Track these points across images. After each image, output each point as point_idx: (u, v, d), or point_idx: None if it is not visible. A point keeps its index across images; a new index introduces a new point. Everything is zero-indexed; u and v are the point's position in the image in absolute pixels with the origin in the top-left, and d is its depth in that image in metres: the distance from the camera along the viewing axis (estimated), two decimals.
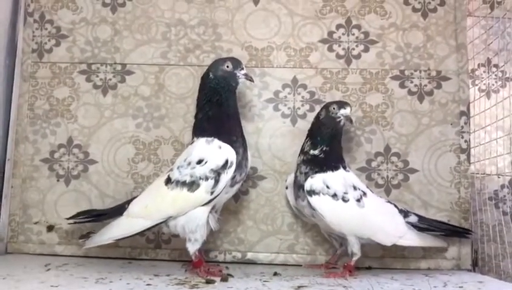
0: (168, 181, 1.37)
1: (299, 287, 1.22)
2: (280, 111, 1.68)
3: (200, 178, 1.32)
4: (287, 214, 1.64)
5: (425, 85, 1.66)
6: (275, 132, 1.67)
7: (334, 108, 1.45)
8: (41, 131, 1.71)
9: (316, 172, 1.43)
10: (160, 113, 1.70)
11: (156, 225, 1.35)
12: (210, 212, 1.37)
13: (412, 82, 1.67)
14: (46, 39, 1.75)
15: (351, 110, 1.46)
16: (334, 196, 1.40)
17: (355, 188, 1.43)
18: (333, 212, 1.40)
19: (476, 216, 1.65)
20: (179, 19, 1.73)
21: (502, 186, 1.77)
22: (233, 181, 1.37)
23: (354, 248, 1.42)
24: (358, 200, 1.41)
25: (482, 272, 1.58)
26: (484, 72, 1.85)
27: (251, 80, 1.47)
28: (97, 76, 1.73)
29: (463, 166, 1.62)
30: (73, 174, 1.68)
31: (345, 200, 1.40)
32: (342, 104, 1.46)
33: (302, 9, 1.72)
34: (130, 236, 1.37)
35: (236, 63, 1.44)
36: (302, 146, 1.51)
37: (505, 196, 1.76)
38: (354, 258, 1.42)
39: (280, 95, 1.69)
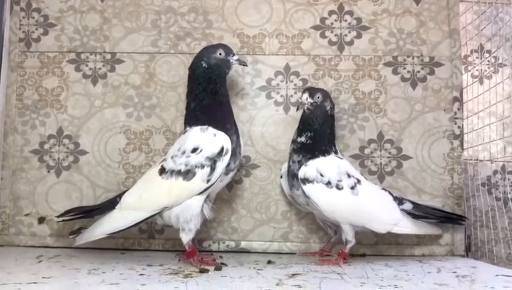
0: (162, 171, 1.35)
1: (293, 274, 1.22)
2: (273, 99, 1.67)
3: (196, 166, 1.32)
4: (281, 202, 1.63)
5: (418, 71, 1.65)
6: (267, 120, 1.66)
7: (318, 97, 1.46)
8: (31, 122, 1.68)
9: (309, 158, 1.42)
10: (151, 102, 1.67)
11: (151, 216, 1.34)
12: (204, 201, 1.36)
13: (405, 68, 1.66)
14: (33, 28, 1.72)
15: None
16: (328, 183, 1.39)
17: (349, 175, 1.42)
18: (327, 200, 1.39)
19: (469, 202, 1.66)
20: (169, 6, 1.70)
21: (495, 172, 1.78)
22: (227, 169, 1.37)
23: (348, 235, 1.42)
24: (352, 188, 1.40)
25: (475, 258, 1.59)
26: (477, 58, 1.84)
27: (245, 64, 1.47)
28: (86, 65, 1.70)
29: (456, 152, 1.62)
30: (63, 165, 1.66)
31: (339, 188, 1.39)
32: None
33: None
34: (124, 229, 1.35)
35: (228, 49, 1.43)
36: (294, 135, 1.51)
37: (497, 181, 1.77)
38: (348, 246, 1.42)
39: (272, 83, 1.67)
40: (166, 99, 1.67)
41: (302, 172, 1.41)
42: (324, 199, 1.40)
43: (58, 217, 1.52)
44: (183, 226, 1.33)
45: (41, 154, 1.67)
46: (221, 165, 1.32)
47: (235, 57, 1.43)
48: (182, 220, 1.33)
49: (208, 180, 1.32)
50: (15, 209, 1.65)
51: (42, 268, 1.28)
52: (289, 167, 1.49)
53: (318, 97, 1.46)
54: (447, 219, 1.54)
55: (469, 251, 1.62)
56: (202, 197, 1.35)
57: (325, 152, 1.44)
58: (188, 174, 1.32)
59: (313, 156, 1.43)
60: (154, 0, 1.71)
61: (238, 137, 1.42)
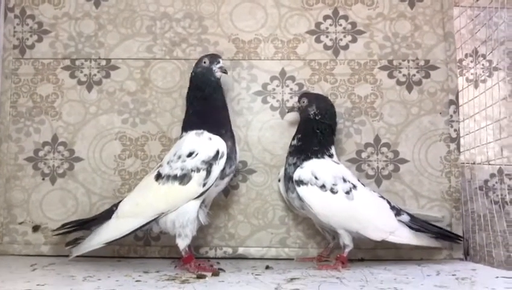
0: (159, 177, 1.36)
1: (291, 279, 1.21)
2: (269, 104, 1.66)
3: (192, 170, 1.32)
4: (278, 207, 1.62)
5: (414, 75, 1.66)
6: (264, 124, 1.65)
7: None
8: (25, 129, 1.66)
9: (303, 160, 1.44)
10: (146, 109, 1.66)
11: (148, 223, 1.33)
12: (200, 206, 1.35)
13: (400, 72, 1.66)
14: (27, 35, 1.71)
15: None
16: (323, 187, 1.39)
17: (345, 180, 1.41)
18: (321, 204, 1.39)
19: (466, 205, 1.66)
20: (164, 12, 1.70)
21: (492, 175, 1.78)
22: (223, 174, 1.37)
23: (346, 239, 1.41)
24: (347, 193, 1.39)
25: (473, 261, 1.58)
26: (471, 61, 1.85)
27: (225, 72, 1.48)
28: (81, 72, 1.69)
29: (453, 155, 1.61)
30: (58, 173, 1.64)
31: (333, 191, 1.38)
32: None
33: (288, 0, 1.70)
34: (121, 238, 1.34)
35: (213, 58, 1.47)
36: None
37: (494, 185, 1.77)
38: (347, 250, 1.41)
39: (268, 88, 1.67)
40: (162, 105, 1.66)
41: (297, 174, 1.41)
42: (318, 202, 1.39)
43: (53, 230, 1.51)
44: (179, 232, 1.32)
45: (35, 162, 1.65)
46: (217, 168, 1.33)
47: (218, 65, 1.46)
48: (177, 225, 1.32)
49: (204, 184, 1.32)
50: (9, 217, 1.62)
51: (37, 276, 1.26)
52: (285, 170, 1.50)
53: (303, 102, 1.52)
54: (443, 235, 1.50)
55: (467, 254, 1.62)
56: (198, 202, 1.34)
57: (317, 153, 1.45)
58: (184, 178, 1.32)
59: (306, 157, 1.44)
60: (149, 6, 1.71)
61: (233, 143, 1.43)
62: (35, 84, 1.69)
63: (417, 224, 1.46)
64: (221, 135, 1.38)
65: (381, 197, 1.49)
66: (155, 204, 1.33)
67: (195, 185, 1.31)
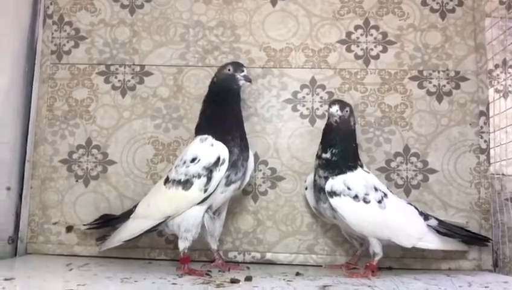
0: (167, 181, 1.40)
1: (324, 286, 1.22)
2: (299, 111, 1.68)
3: (194, 176, 1.34)
4: (306, 214, 1.63)
5: (444, 85, 1.66)
6: (293, 132, 1.67)
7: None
8: (60, 132, 1.71)
9: (337, 174, 1.41)
10: (178, 114, 1.70)
11: (158, 225, 1.38)
12: (206, 212, 1.38)
13: (430, 82, 1.67)
14: (64, 41, 1.76)
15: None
16: (356, 197, 1.39)
17: (376, 189, 1.42)
18: (354, 214, 1.39)
19: (495, 217, 1.65)
20: (197, 20, 1.74)
21: None
22: (228, 180, 1.38)
23: (376, 248, 1.41)
24: (379, 202, 1.40)
25: (502, 273, 1.57)
26: (501, 72, 1.84)
27: (249, 81, 1.49)
28: (116, 77, 1.73)
29: (483, 166, 1.61)
30: (92, 175, 1.68)
31: (366, 201, 1.39)
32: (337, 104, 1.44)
33: (320, 10, 1.72)
34: (136, 237, 1.41)
35: (237, 66, 1.48)
36: (318, 149, 1.49)
37: None
38: (376, 258, 1.41)
39: (298, 96, 1.69)
40: (194, 111, 1.69)
41: (329, 185, 1.40)
42: (351, 213, 1.39)
43: (85, 224, 1.59)
44: (183, 235, 1.36)
45: (69, 164, 1.69)
46: (217, 175, 1.33)
47: (243, 74, 1.46)
48: (182, 229, 1.36)
49: (205, 190, 1.33)
50: (44, 217, 1.67)
51: (74, 275, 1.29)
52: (315, 181, 1.48)
53: (346, 111, 1.44)
54: (471, 238, 1.51)
55: (496, 266, 1.61)
56: (202, 208, 1.36)
57: (352, 168, 1.43)
58: (186, 183, 1.35)
59: (340, 172, 1.41)
60: (182, 14, 1.74)
61: (242, 150, 1.41)
62: (71, 89, 1.73)
63: (445, 228, 1.47)
64: (226, 142, 1.37)
65: (409, 203, 1.50)
66: (161, 208, 1.38)
67: (196, 190, 1.33)
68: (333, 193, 1.39)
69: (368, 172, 1.48)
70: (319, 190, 1.46)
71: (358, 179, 1.42)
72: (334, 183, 1.40)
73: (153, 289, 1.14)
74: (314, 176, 1.49)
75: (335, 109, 1.43)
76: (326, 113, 1.47)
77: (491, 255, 1.58)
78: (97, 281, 1.22)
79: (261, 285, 1.22)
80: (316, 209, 1.55)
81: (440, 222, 1.47)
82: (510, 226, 1.61)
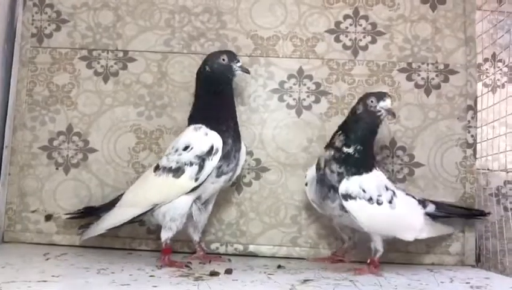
0: (157, 168, 1.38)
1: (305, 280, 1.20)
2: (285, 102, 1.65)
3: (185, 164, 1.32)
4: (291, 206, 1.61)
5: (433, 78, 1.64)
6: (279, 123, 1.65)
7: (372, 101, 1.34)
8: (40, 118, 1.66)
9: (353, 173, 1.33)
10: (162, 102, 1.66)
11: (143, 213, 1.35)
12: (195, 203, 1.36)
13: (419, 75, 1.64)
14: (46, 24, 1.70)
15: (391, 102, 1.36)
16: (370, 199, 1.33)
17: (387, 188, 1.37)
18: (368, 215, 1.33)
19: None
20: (183, 5, 1.69)
21: (505, 183, 1.76)
22: (219, 171, 1.36)
23: (378, 245, 1.37)
24: (390, 202, 1.35)
25: (485, 268, 1.57)
26: (490, 66, 1.83)
27: (247, 71, 1.46)
28: (98, 62, 1.68)
29: (469, 161, 1.60)
30: (72, 163, 1.64)
31: (379, 203, 1.33)
32: (380, 96, 1.35)
33: None
34: (120, 225, 1.38)
35: (232, 55, 1.45)
36: (332, 139, 1.40)
37: (507, 191, 1.75)
38: (378, 255, 1.38)
39: (285, 86, 1.66)
40: (178, 99, 1.65)
41: (344, 187, 1.32)
42: (365, 215, 1.33)
43: (66, 214, 1.54)
44: (167, 224, 1.34)
45: (50, 151, 1.65)
46: (209, 164, 1.32)
47: (239, 64, 1.44)
48: (168, 218, 1.33)
49: (197, 179, 1.31)
50: (22, 205, 1.63)
51: (50, 266, 1.26)
52: (323, 175, 1.38)
53: (372, 101, 1.35)
54: (468, 215, 1.53)
55: (479, 261, 1.61)
56: (191, 198, 1.34)
57: (368, 169, 1.36)
58: (178, 171, 1.33)
59: (357, 172, 1.34)
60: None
61: (235, 141, 1.40)
62: (52, 74, 1.68)
63: (443, 210, 1.47)
64: (220, 132, 1.35)
65: (407, 194, 1.47)
66: (149, 195, 1.35)
67: (187, 178, 1.31)
68: (348, 196, 1.32)
69: (378, 169, 1.43)
70: (328, 187, 1.37)
71: (372, 181, 1.36)
72: (349, 185, 1.33)
73: (130, 281, 1.11)
74: (323, 169, 1.38)
75: (389, 102, 1.34)
76: (360, 105, 1.37)
77: (474, 250, 1.58)
78: (72, 272, 1.19)
79: (241, 278, 1.20)
80: (318, 205, 1.48)
81: (437, 205, 1.47)
82: (494, 221, 1.60)
